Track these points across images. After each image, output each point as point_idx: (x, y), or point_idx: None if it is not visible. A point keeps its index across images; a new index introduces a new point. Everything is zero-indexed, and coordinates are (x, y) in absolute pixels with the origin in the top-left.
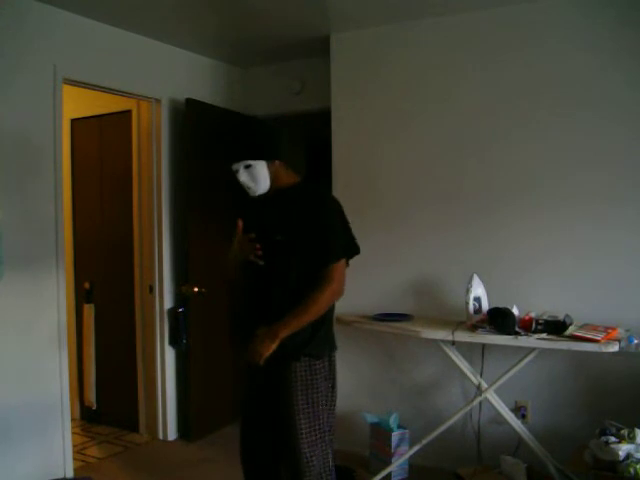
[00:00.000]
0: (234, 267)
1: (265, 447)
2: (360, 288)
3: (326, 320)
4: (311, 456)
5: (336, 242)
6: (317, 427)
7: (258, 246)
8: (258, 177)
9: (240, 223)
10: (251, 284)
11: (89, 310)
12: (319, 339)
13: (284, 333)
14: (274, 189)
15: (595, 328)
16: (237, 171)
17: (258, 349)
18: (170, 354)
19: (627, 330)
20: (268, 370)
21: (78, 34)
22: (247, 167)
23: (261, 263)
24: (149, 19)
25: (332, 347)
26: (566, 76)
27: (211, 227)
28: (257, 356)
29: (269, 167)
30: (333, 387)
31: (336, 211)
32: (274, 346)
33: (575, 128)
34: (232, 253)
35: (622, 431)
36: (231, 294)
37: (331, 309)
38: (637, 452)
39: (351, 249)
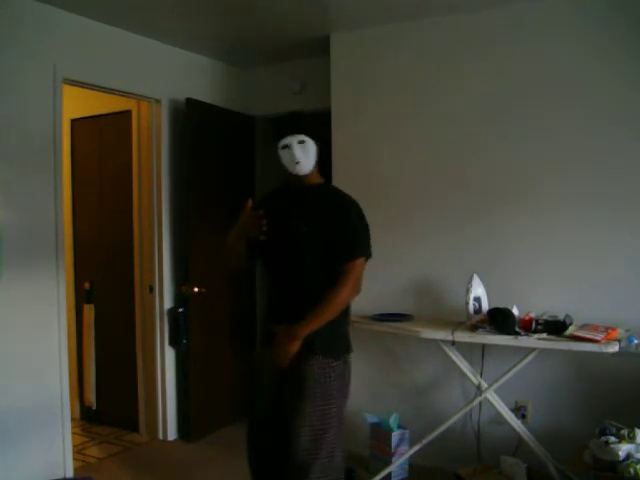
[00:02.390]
0: (233, 249)
1: (274, 445)
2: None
3: (343, 321)
4: (318, 452)
5: (360, 241)
6: (327, 424)
7: (264, 222)
8: (310, 154)
9: (250, 202)
10: (275, 276)
11: (89, 310)
12: (336, 338)
13: (305, 332)
14: (305, 183)
15: (595, 328)
16: (287, 146)
17: (283, 350)
18: (170, 354)
19: (627, 330)
20: (283, 368)
21: (78, 34)
22: (301, 142)
23: (262, 238)
24: (149, 19)
25: (348, 347)
26: (567, 77)
27: (211, 227)
28: (283, 356)
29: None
30: (347, 386)
31: (362, 216)
32: (297, 345)
33: (575, 129)
34: (234, 230)
35: (622, 431)
36: (232, 297)
37: (347, 311)
38: (637, 452)
39: (370, 252)
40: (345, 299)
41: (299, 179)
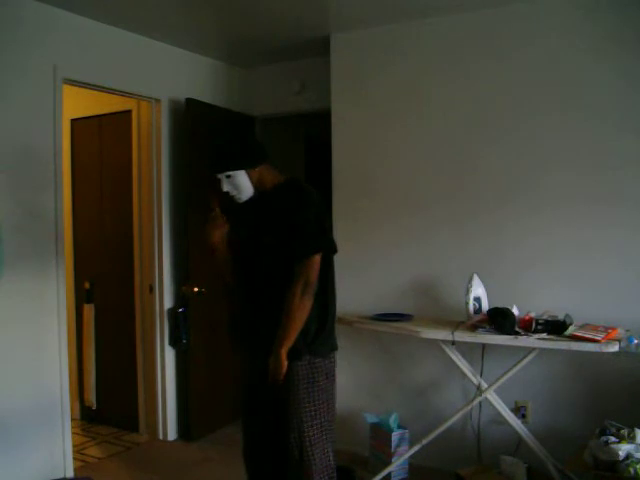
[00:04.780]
0: (224, 262)
1: (268, 446)
2: (360, 288)
3: (328, 320)
4: (312, 453)
5: (305, 240)
6: (318, 424)
7: (223, 220)
8: (240, 185)
9: (213, 197)
10: (244, 287)
11: (89, 310)
12: (320, 339)
13: (285, 347)
14: (260, 192)
15: (595, 328)
16: (220, 180)
17: (274, 373)
18: (170, 354)
19: (627, 330)
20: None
21: (78, 34)
22: (228, 177)
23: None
24: (149, 19)
25: (333, 347)
26: (565, 77)
27: None
28: (277, 377)
29: (250, 174)
30: (333, 385)
31: (310, 207)
32: (284, 362)
33: (575, 129)
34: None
35: (622, 431)
36: (228, 296)
37: (328, 309)
38: (637, 452)
39: (323, 246)
40: (301, 303)
41: (256, 188)
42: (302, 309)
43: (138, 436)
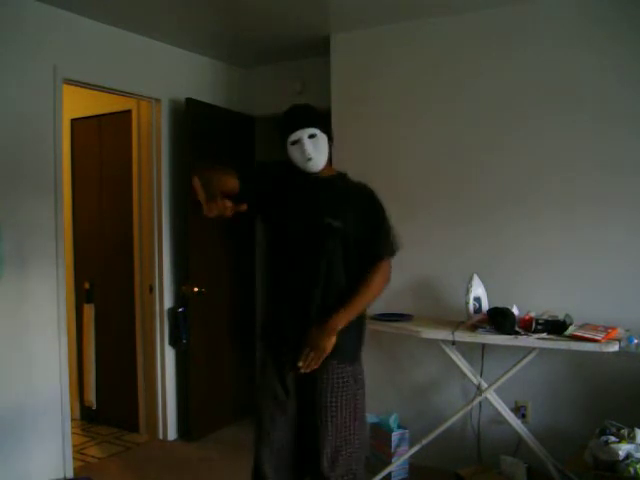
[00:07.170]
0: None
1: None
2: None
3: (363, 322)
4: (341, 470)
5: (390, 240)
6: (352, 438)
7: (230, 205)
8: (322, 149)
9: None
10: (297, 272)
11: (89, 310)
12: (359, 342)
13: (342, 324)
14: (320, 175)
15: (595, 328)
16: (296, 141)
17: (320, 344)
18: (170, 354)
19: (627, 330)
20: (304, 376)
21: (78, 34)
22: (311, 136)
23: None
24: (149, 19)
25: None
26: (567, 77)
27: (211, 227)
28: (320, 352)
29: (328, 145)
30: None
31: (384, 210)
32: (333, 339)
33: (575, 129)
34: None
35: (622, 431)
36: (232, 296)
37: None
38: (637, 452)
39: (397, 249)
40: (375, 295)
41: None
42: (373, 295)
43: (138, 436)
